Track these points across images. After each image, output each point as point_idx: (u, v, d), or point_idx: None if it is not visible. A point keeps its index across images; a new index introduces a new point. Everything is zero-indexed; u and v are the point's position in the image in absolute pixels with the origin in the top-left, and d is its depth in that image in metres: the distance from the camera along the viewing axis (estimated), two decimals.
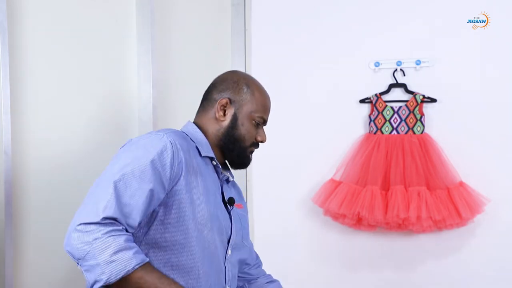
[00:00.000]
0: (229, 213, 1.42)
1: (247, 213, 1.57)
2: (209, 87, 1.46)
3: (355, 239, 2.26)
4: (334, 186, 2.21)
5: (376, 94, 2.22)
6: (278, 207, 2.35)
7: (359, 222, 2.17)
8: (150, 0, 1.94)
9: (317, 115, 2.32)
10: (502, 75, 2.11)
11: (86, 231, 1.11)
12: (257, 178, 2.38)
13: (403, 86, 2.21)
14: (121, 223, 1.16)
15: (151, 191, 1.19)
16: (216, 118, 1.41)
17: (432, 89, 2.17)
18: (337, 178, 2.23)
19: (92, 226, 1.12)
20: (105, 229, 1.12)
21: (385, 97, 2.22)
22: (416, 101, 2.17)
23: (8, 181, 1.52)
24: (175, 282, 1.19)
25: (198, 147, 1.36)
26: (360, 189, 2.16)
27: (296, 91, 2.33)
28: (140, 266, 1.13)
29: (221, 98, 1.40)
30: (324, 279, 2.31)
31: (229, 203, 1.42)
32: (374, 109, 2.21)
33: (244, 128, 1.41)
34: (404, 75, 2.21)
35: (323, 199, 2.21)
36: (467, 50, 2.14)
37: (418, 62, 2.18)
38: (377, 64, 2.23)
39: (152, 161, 1.21)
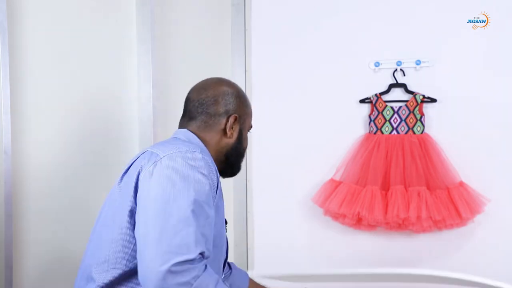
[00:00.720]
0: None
1: None
2: (203, 99, 1.37)
3: (355, 239, 2.26)
4: (334, 186, 2.21)
5: (376, 94, 2.22)
6: (278, 207, 2.35)
7: (359, 222, 2.18)
8: (150, 0, 1.94)
9: (317, 115, 2.32)
10: (502, 75, 2.11)
11: (182, 271, 1.07)
12: (257, 178, 2.38)
13: (403, 86, 2.21)
14: (205, 256, 1.14)
15: (213, 218, 1.20)
16: (222, 135, 1.37)
17: (432, 89, 2.17)
18: (337, 178, 2.23)
19: (188, 265, 1.07)
20: (200, 266, 1.09)
21: (385, 97, 2.22)
22: (416, 101, 2.17)
23: (8, 181, 1.52)
24: None
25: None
26: (360, 189, 2.16)
27: (296, 91, 2.33)
28: None
29: (229, 115, 1.37)
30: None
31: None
32: (374, 109, 2.21)
33: (246, 141, 1.44)
34: (404, 75, 2.21)
35: (323, 199, 2.21)
36: (467, 50, 2.14)
37: (418, 62, 2.18)
38: (377, 64, 2.23)
39: (205, 191, 1.18)
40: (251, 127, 1.47)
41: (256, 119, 2.38)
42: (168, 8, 2.10)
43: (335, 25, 2.29)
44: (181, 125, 1.40)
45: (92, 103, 1.83)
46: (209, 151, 1.35)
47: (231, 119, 1.36)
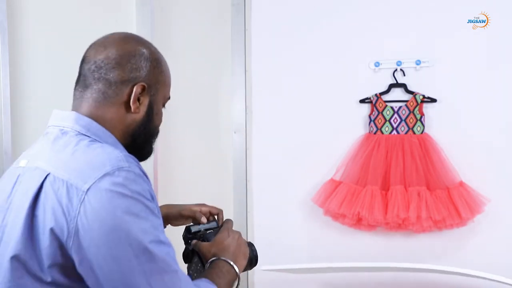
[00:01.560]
0: None
1: None
2: (101, 61, 1.03)
3: (355, 239, 2.26)
4: (334, 186, 2.21)
5: (376, 94, 2.22)
6: (278, 207, 2.35)
7: (359, 222, 2.18)
8: (150, 0, 1.94)
9: (317, 115, 2.32)
10: (502, 75, 2.11)
11: None
12: (257, 178, 2.38)
13: (403, 86, 2.21)
14: None
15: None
16: (125, 109, 1.03)
17: (432, 89, 2.17)
18: (337, 178, 2.23)
19: None
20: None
21: (385, 97, 2.22)
22: (416, 101, 2.17)
23: None
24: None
25: None
26: (360, 189, 2.16)
27: (296, 91, 2.33)
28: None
29: (135, 83, 1.03)
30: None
31: None
32: (374, 109, 2.21)
33: (158, 117, 1.12)
34: (404, 75, 2.21)
35: (323, 199, 2.21)
36: (467, 50, 2.14)
37: (418, 62, 2.18)
38: (377, 64, 2.23)
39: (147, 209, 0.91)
40: (168, 99, 1.14)
41: (256, 119, 2.40)
42: (168, 8, 2.10)
43: (335, 25, 2.29)
44: (76, 97, 1.05)
45: None
46: (113, 133, 1.02)
47: (136, 89, 1.02)
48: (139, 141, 1.07)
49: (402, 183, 2.13)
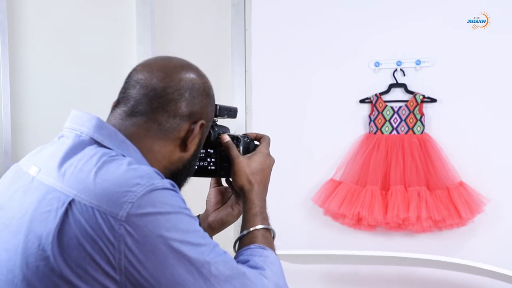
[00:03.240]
0: None
1: None
2: (163, 89, 0.91)
3: (355, 239, 2.26)
4: (334, 186, 2.21)
5: (376, 94, 2.22)
6: (278, 207, 2.34)
7: (359, 222, 2.18)
8: (150, 0, 1.94)
9: (317, 115, 2.32)
10: (502, 75, 2.11)
11: None
12: None
13: (403, 86, 2.21)
14: None
15: None
16: (177, 146, 0.93)
17: (432, 89, 2.17)
18: (337, 178, 2.23)
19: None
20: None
21: (385, 97, 2.22)
22: (416, 101, 2.17)
23: None
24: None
25: None
26: (360, 189, 2.16)
27: (296, 91, 2.33)
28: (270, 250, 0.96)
29: (196, 120, 0.93)
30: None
31: None
32: (374, 109, 2.21)
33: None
34: (404, 75, 2.21)
35: (323, 199, 2.21)
36: (467, 50, 2.14)
37: (418, 62, 2.18)
38: (377, 64, 2.23)
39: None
40: None
41: (256, 119, 2.40)
42: (168, 8, 2.10)
43: (335, 25, 2.29)
44: (115, 113, 0.94)
45: (92, 103, 1.83)
46: (152, 164, 0.89)
47: (197, 127, 0.92)
48: (178, 180, 0.95)
49: (402, 183, 2.14)
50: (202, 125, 0.93)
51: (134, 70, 0.98)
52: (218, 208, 1.16)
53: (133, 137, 0.89)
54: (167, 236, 0.75)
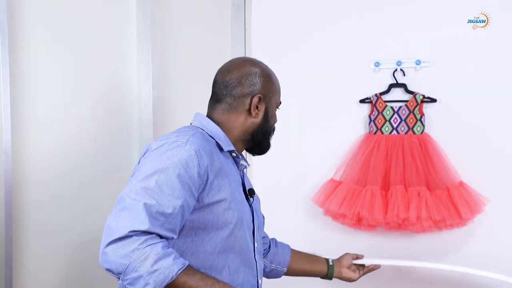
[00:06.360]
0: (250, 205, 1.43)
1: (259, 202, 1.58)
2: (227, 82, 1.40)
3: (355, 239, 2.26)
4: (334, 186, 2.21)
5: (376, 94, 2.22)
6: (278, 207, 2.35)
7: (359, 222, 2.18)
8: (150, 0, 1.94)
9: (317, 115, 2.32)
10: (502, 75, 2.11)
11: (122, 245, 1.09)
12: (257, 178, 2.38)
13: (403, 86, 2.21)
14: (156, 234, 1.15)
15: (182, 207, 1.19)
16: (247, 116, 1.39)
17: (432, 89, 2.17)
18: (337, 178, 2.23)
19: (127, 240, 1.10)
20: (140, 239, 1.10)
21: (385, 97, 2.22)
22: (416, 101, 2.17)
23: (8, 181, 1.52)
24: (218, 281, 1.20)
25: (219, 143, 1.36)
26: (360, 189, 2.16)
27: (296, 91, 2.33)
28: (182, 271, 1.13)
29: (253, 95, 1.38)
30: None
31: (249, 194, 1.44)
32: (374, 109, 2.21)
33: (273, 119, 1.46)
34: (404, 75, 2.21)
35: (323, 199, 2.21)
36: (467, 50, 2.14)
37: (418, 62, 2.18)
38: (377, 64, 2.23)
39: (179, 175, 1.19)
40: (280, 103, 1.48)
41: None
42: (168, 8, 2.10)
43: (335, 25, 2.29)
44: (209, 107, 1.44)
45: (92, 103, 1.83)
46: (233, 132, 1.39)
47: (255, 100, 1.38)
48: (258, 138, 1.42)
49: (402, 183, 2.13)
50: (259, 97, 1.39)
51: (215, 76, 1.45)
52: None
53: (216, 118, 1.40)
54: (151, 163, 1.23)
